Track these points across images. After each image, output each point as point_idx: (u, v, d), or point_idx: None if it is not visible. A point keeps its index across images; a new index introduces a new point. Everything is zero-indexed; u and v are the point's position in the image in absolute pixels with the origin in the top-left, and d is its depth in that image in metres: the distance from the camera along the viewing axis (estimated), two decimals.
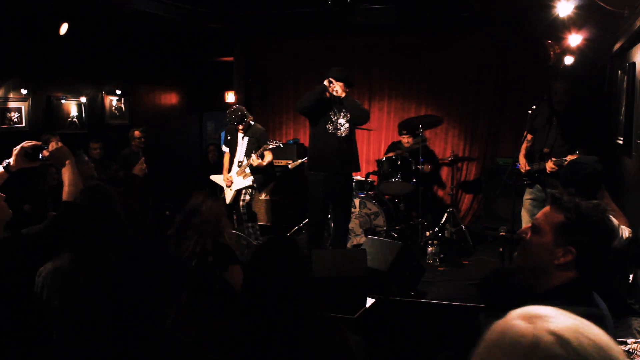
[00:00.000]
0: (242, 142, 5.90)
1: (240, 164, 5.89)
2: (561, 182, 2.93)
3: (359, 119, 5.07)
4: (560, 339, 0.77)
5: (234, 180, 5.94)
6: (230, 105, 6.57)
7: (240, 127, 5.80)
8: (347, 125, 5.04)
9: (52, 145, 2.45)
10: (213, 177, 6.22)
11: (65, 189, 2.43)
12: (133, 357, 1.42)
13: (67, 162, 2.45)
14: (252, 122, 5.92)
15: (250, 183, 5.88)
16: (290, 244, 1.77)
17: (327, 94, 4.99)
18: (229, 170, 5.99)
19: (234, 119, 5.76)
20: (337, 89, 4.92)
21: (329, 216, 5.54)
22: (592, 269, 1.64)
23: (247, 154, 5.84)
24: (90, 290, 2.06)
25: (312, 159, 5.18)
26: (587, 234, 1.61)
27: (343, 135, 5.03)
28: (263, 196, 7.28)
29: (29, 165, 2.45)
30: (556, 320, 0.81)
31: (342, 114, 5.04)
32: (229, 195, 5.97)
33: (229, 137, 6.02)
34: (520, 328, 0.81)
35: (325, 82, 4.96)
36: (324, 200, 5.10)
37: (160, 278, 1.50)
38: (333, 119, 5.03)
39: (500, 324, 0.85)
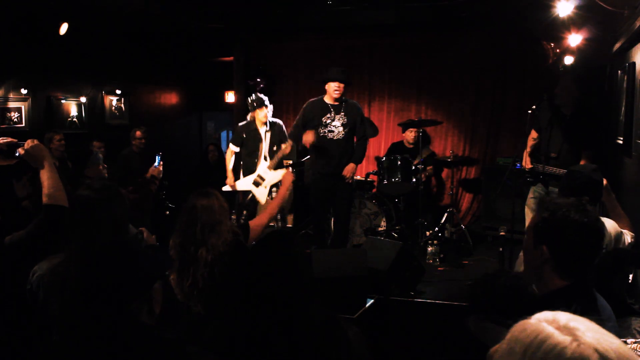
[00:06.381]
0: (266, 137, 5.62)
1: (267, 158, 5.57)
2: (559, 190, 2.97)
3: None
4: None
5: (267, 176, 5.52)
6: (230, 105, 6.57)
7: (263, 116, 5.55)
8: (341, 128, 5.07)
9: (28, 143, 2.23)
10: (240, 185, 5.63)
11: (44, 191, 2.17)
12: (110, 352, 1.41)
13: (44, 162, 2.21)
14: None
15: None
16: (287, 239, 1.76)
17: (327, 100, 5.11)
18: (246, 171, 5.67)
19: (258, 100, 5.55)
20: (334, 92, 5.00)
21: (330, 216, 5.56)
22: (567, 267, 1.61)
23: (272, 148, 5.58)
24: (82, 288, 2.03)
25: (310, 160, 5.37)
26: (554, 231, 1.60)
27: (336, 138, 5.08)
28: None
29: (4, 163, 2.32)
30: (597, 337, 0.81)
31: (339, 116, 5.08)
32: (262, 193, 5.51)
33: (244, 135, 5.65)
34: (561, 340, 0.80)
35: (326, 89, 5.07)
36: (321, 200, 5.19)
37: (131, 270, 1.49)
38: (327, 122, 5.08)
39: (530, 329, 0.84)
